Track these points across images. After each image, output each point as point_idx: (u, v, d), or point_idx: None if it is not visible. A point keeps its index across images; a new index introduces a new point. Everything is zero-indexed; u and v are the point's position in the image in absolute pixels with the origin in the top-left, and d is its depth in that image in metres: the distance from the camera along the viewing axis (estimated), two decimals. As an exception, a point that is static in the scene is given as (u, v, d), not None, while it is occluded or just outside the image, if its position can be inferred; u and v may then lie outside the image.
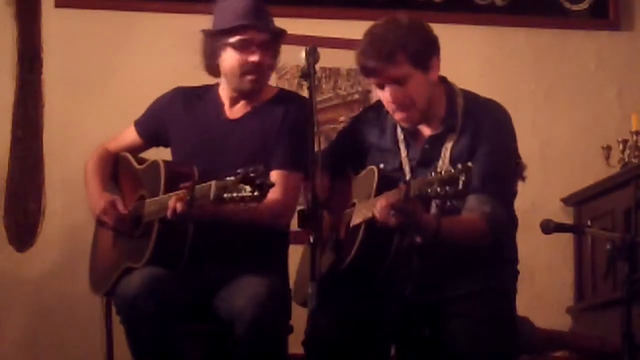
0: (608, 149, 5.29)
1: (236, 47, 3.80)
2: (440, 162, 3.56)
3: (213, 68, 3.90)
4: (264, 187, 3.25)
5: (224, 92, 3.93)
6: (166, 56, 5.20)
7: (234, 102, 3.91)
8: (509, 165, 3.64)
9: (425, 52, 3.56)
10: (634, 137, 5.19)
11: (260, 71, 3.83)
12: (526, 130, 5.32)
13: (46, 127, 5.09)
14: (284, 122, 3.81)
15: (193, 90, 4.01)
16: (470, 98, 3.67)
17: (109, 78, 5.18)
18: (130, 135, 4.05)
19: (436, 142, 3.61)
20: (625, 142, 5.22)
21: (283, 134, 3.80)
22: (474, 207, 3.47)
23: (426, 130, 3.65)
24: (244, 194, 3.25)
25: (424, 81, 3.56)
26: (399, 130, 3.68)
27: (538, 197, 5.16)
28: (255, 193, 3.24)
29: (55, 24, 5.15)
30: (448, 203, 3.15)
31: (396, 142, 3.68)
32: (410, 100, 3.56)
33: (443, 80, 3.68)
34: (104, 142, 4.09)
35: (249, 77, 3.82)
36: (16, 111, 5.08)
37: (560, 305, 5.18)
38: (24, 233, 5.06)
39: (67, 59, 5.16)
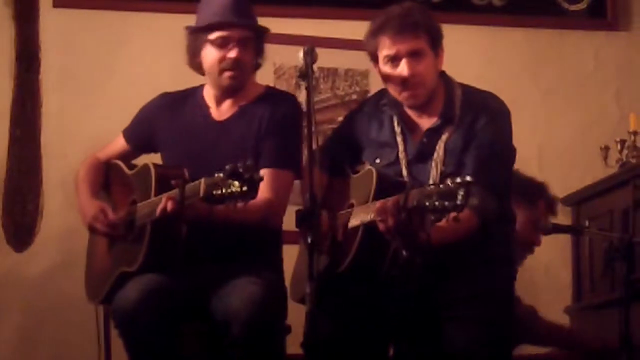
0: (606, 149, 5.28)
1: (215, 44, 3.80)
2: (435, 156, 3.59)
3: (197, 65, 3.90)
4: (253, 181, 3.21)
5: (210, 93, 3.92)
6: (165, 56, 5.19)
7: (219, 102, 3.90)
8: (504, 157, 3.66)
9: (439, 37, 3.66)
10: (632, 137, 5.19)
11: (239, 68, 3.81)
12: (524, 131, 5.32)
13: (44, 127, 5.08)
14: (271, 120, 3.79)
15: (178, 94, 4.01)
16: (469, 91, 3.71)
17: (107, 78, 5.17)
18: (120, 144, 4.06)
19: (433, 135, 3.63)
20: (623, 142, 5.21)
21: (270, 132, 3.77)
22: None
23: (424, 123, 3.67)
24: (233, 190, 3.21)
25: (434, 64, 3.64)
26: (395, 122, 3.69)
27: (536, 197, 5.15)
28: (244, 188, 3.20)
29: (53, 24, 5.14)
30: (445, 217, 3.12)
31: (394, 135, 3.69)
32: (421, 77, 3.61)
33: (441, 74, 3.72)
34: (94, 151, 4.10)
35: (228, 74, 3.80)
36: (14, 111, 5.07)
37: (558, 305, 5.18)
38: (21, 233, 5.05)
39: (65, 58, 5.15)
